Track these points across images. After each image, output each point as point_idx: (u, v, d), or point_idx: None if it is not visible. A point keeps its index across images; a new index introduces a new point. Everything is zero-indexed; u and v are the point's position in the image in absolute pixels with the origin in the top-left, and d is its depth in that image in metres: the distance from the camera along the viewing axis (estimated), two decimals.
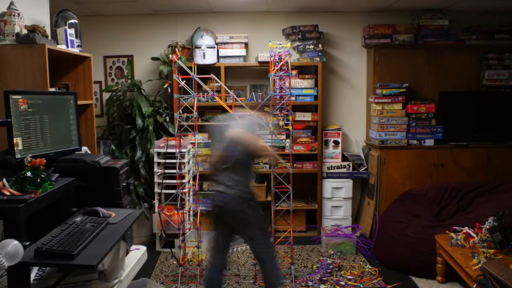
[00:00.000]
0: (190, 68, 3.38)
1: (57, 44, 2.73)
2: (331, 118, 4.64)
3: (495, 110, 4.26)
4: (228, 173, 2.61)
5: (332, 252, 3.70)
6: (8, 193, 1.61)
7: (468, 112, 4.26)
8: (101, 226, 1.72)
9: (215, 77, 3.38)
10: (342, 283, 3.21)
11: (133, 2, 3.97)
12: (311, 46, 4.22)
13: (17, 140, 1.86)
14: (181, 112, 3.44)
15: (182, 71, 3.49)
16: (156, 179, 3.91)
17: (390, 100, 4.16)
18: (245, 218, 2.61)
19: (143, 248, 2.30)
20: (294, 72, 4.09)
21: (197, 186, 3.52)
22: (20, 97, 1.93)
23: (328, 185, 4.30)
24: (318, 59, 4.21)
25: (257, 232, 2.64)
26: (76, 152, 2.31)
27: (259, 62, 4.20)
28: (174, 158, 3.66)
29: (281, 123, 4.07)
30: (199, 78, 3.35)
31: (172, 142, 3.68)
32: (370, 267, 3.56)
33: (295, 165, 4.21)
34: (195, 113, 3.34)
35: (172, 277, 3.43)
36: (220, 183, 2.61)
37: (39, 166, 1.72)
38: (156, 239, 4.04)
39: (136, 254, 2.19)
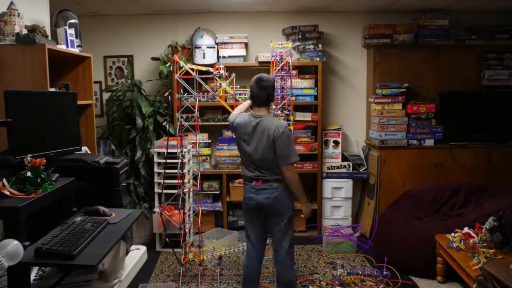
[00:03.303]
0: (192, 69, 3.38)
1: (57, 44, 2.74)
2: (331, 118, 4.64)
3: (495, 110, 4.26)
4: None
5: (337, 262, 3.61)
6: (8, 193, 1.62)
7: (468, 112, 4.26)
8: (101, 226, 1.72)
9: (217, 76, 3.38)
10: None
11: (133, 2, 3.97)
12: (311, 46, 4.22)
13: (17, 140, 1.86)
14: (182, 112, 3.43)
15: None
16: (156, 179, 3.91)
17: (390, 100, 4.16)
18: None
19: (143, 248, 2.30)
20: (294, 72, 4.09)
21: (198, 186, 3.52)
22: (20, 97, 1.94)
23: (328, 185, 4.30)
24: (318, 59, 4.21)
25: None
26: (76, 152, 2.32)
27: (259, 62, 4.19)
28: (174, 158, 3.66)
29: None
30: (200, 78, 3.35)
31: (173, 142, 3.68)
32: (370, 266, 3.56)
33: (295, 165, 4.20)
34: (196, 113, 3.34)
35: (173, 277, 3.43)
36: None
37: (39, 166, 1.73)
38: (156, 239, 4.04)
39: (136, 254, 2.20)
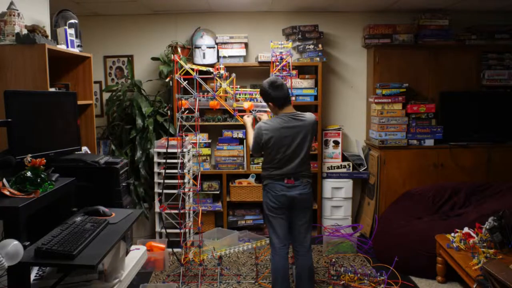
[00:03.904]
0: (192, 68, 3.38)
1: (57, 44, 2.73)
2: (331, 118, 4.64)
3: (495, 110, 4.26)
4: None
5: (334, 260, 3.61)
6: (8, 193, 1.62)
7: (468, 112, 4.26)
8: (101, 226, 1.72)
9: (217, 76, 3.37)
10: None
11: (133, 2, 3.97)
12: (311, 46, 4.22)
13: (17, 140, 1.86)
14: (182, 112, 3.43)
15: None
16: (156, 179, 3.91)
17: (390, 100, 4.16)
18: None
19: (143, 248, 2.30)
20: (294, 72, 4.09)
21: (198, 186, 3.53)
22: (20, 97, 1.93)
23: (328, 185, 4.30)
24: (318, 59, 4.21)
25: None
26: (76, 152, 2.32)
27: (259, 62, 4.19)
28: (174, 158, 3.65)
29: None
30: (200, 78, 3.35)
31: (173, 142, 3.68)
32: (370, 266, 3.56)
33: None
34: (197, 113, 3.34)
35: (173, 277, 3.43)
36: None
37: (39, 166, 1.72)
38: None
39: (136, 254, 2.19)
